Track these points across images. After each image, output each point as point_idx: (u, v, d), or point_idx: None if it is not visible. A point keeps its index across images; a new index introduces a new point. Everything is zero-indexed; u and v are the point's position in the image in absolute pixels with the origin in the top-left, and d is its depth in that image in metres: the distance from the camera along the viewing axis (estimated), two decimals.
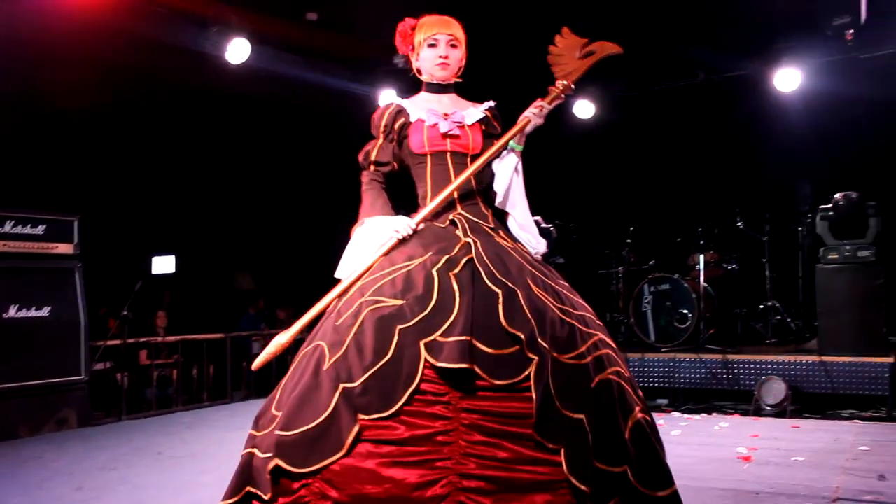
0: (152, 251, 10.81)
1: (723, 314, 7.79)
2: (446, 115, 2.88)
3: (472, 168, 2.82)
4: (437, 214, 2.80)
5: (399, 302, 2.48)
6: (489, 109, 2.96)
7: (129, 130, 8.32)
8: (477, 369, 2.33)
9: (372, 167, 2.97)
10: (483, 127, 2.92)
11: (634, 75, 8.21)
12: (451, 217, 2.78)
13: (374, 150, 2.96)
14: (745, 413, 6.14)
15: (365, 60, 7.64)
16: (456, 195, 2.81)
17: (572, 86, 2.93)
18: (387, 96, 7.87)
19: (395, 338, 2.40)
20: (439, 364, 2.34)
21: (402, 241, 2.74)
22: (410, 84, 7.72)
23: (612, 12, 6.71)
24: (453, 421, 2.32)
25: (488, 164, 2.88)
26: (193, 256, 10.57)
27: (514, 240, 2.82)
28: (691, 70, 8.14)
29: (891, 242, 6.55)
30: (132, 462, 4.71)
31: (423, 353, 2.37)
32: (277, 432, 2.37)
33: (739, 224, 7.75)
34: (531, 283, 2.55)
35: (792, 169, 7.99)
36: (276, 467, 2.33)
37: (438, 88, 2.96)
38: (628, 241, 7.99)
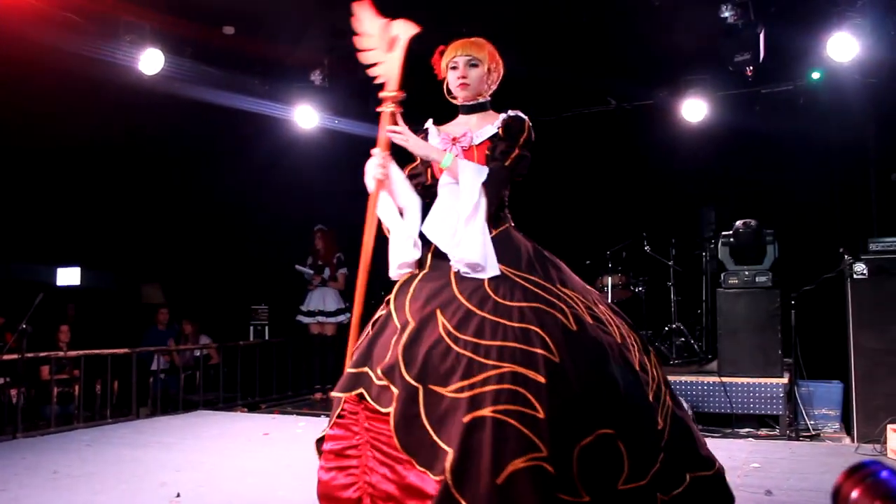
0: (57, 262, 10.45)
1: None
2: (455, 139, 2.96)
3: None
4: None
5: (360, 341, 2.85)
6: (508, 119, 2.97)
7: (34, 137, 8.05)
8: (366, 396, 2.59)
9: (413, 183, 3.12)
10: (495, 144, 2.93)
11: (547, 100, 8.41)
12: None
13: (409, 167, 3.15)
14: None
15: (282, 76, 7.62)
16: None
17: (399, 94, 2.91)
18: (303, 112, 7.83)
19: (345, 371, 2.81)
20: (333, 392, 2.78)
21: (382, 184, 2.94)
22: (328, 100, 7.78)
23: (527, 38, 6.88)
24: (361, 437, 2.66)
25: (497, 189, 2.87)
26: (99, 268, 10.26)
27: (498, 257, 2.78)
28: (603, 97, 8.39)
29: (786, 269, 6.86)
30: (24, 482, 4.52)
31: None
32: None
33: (647, 248, 8.00)
34: (439, 314, 2.63)
35: (697, 196, 8.32)
36: None
37: (467, 109, 3.05)
38: None
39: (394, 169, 2.98)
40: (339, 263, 8.48)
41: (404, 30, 2.90)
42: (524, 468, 2.30)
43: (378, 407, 2.54)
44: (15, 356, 6.43)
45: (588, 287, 2.97)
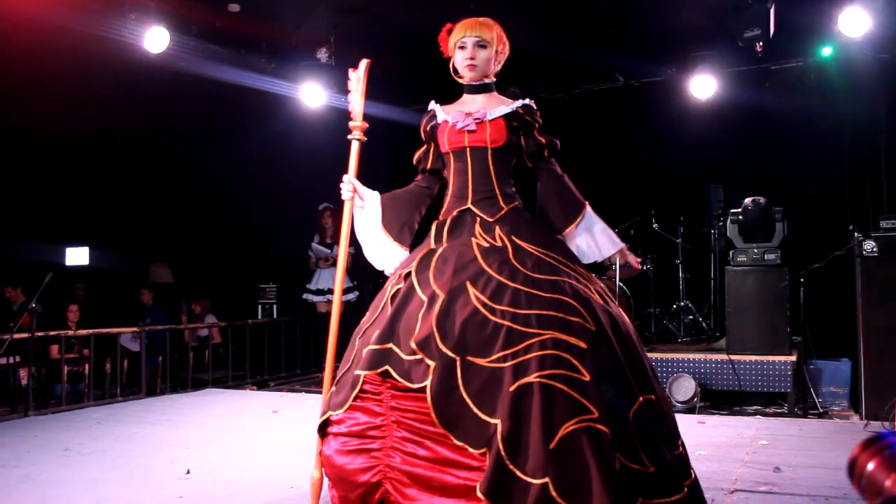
0: (66, 242, 10.48)
1: (638, 313, 8.00)
2: (469, 113, 2.96)
3: None
4: (453, 208, 2.96)
5: (372, 317, 2.80)
6: (521, 107, 3.01)
7: (41, 116, 8.05)
8: (392, 372, 2.54)
9: (419, 168, 3.22)
10: (513, 122, 2.97)
11: (556, 77, 8.34)
12: (454, 215, 2.93)
13: (418, 153, 3.21)
14: None
15: (288, 54, 7.57)
16: (471, 190, 2.93)
17: (364, 124, 3.17)
18: (309, 90, 7.79)
19: (356, 349, 2.75)
20: (354, 371, 2.67)
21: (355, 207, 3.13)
22: (335, 78, 7.75)
23: (535, 15, 6.81)
24: (386, 417, 2.58)
25: (509, 157, 3.00)
26: (107, 248, 10.29)
27: (516, 234, 2.81)
28: (611, 74, 8.33)
29: (795, 246, 6.83)
30: (36, 459, 4.57)
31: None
32: None
33: (655, 226, 7.97)
34: (469, 286, 2.60)
35: (705, 173, 8.26)
36: None
37: (473, 89, 3.06)
38: None
39: (365, 193, 3.15)
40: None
41: (362, 65, 3.14)
42: (577, 430, 2.30)
43: (407, 383, 2.50)
44: (25, 335, 6.46)
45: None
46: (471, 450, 2.35)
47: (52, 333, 6.93)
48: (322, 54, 7.31)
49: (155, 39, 6.47)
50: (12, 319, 7.68)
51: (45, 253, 9.51)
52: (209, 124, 9.13)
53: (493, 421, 2.34)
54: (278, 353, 8.64)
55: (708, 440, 4.84)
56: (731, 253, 6.70)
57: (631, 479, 2.33)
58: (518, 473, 2.27)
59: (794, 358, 6.27)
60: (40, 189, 9.28)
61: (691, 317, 7.86)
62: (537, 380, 2.35)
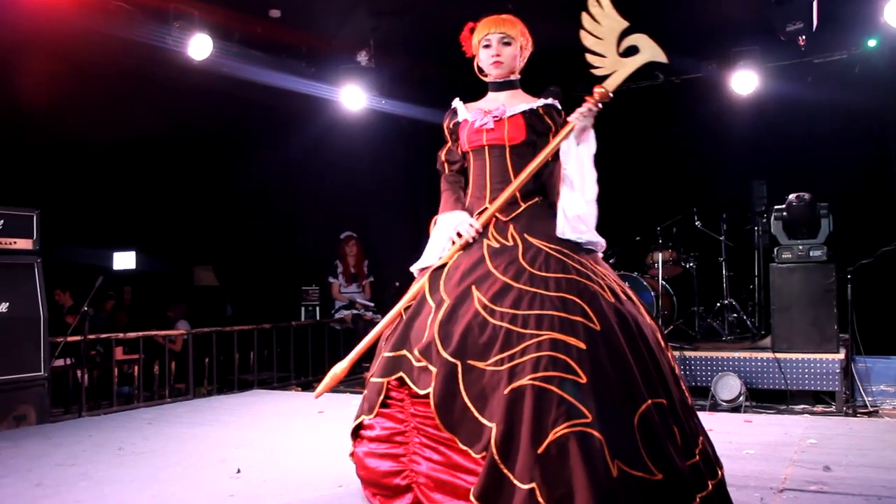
0: (113, 246, 10.70)
1: (681, 312, 7.94)
2: (487, 111, 2.95)
3: (523, 175, 2.84)
4: (472, 208, 2.93)
5: (392, 324, 2.82)
6: (542, 106, 3.00)
7: (90, 124, 8.24)
8: (406, 379, 2.58)
9: (446, 167, 3.14)
10: (531, 120, 2.94)
11: (595, 75, 8.30)
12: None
13: (444, 151, 3.15)
14: (701, 408, 6.23)
15: (328, 57, 7.66)
16: (489, 189, 2.92)
17: (610, 94, 2.90)
18: (349, 93, 7.86)
19: (379, 356, 2.78)
20: (372, 378, 2.73)
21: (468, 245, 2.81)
22: (375, 82, 7.81)
23: (574, 14, 6.80)
24: (407, 422, 2.64)
25: (528, 154, 2.92)
26: (153, 252, 10.49)
27: (529, 230, 2.78)
28: (650, 71, 8.27)
29: (841, 242, 6.72)
30: (92, 458, 4.68)
31: None
32: None
33: (697, 223, 7.91)
34: (474, 289, 2.60)
35: (748, 170, 8.18)
36: None
37: (498, 87, 3.06)
38: None
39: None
40: (368, 272, 8.66)
41: (650, 51, 2.94)
42: (567, 434, 2.25)
43: (417, 389, 2.53)
44: (78, 338, 6.61)
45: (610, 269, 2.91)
46: (473, 454, 2.37)
47: (103, 336, 7.08)
48: (362, 57, 7.38)
49: (198, 47, 6.58)
50: (63, 322, 7.87)
51: (94, 257, 9.73)
52: (252, 129, 9.26)
53: (489, 424, 2.34)
54: (322, 354, 8.73)
55: (755, 439, 4.79)
56: (775, 250, 6.62)
57: (632, 486, 2.26)
58: (510, 477, 2.26)
59: (841, 356, 6.18)
60: (89, 195, 9.49)
61: (735, 315, 7.78)
62: (530, 382, 2.32)
